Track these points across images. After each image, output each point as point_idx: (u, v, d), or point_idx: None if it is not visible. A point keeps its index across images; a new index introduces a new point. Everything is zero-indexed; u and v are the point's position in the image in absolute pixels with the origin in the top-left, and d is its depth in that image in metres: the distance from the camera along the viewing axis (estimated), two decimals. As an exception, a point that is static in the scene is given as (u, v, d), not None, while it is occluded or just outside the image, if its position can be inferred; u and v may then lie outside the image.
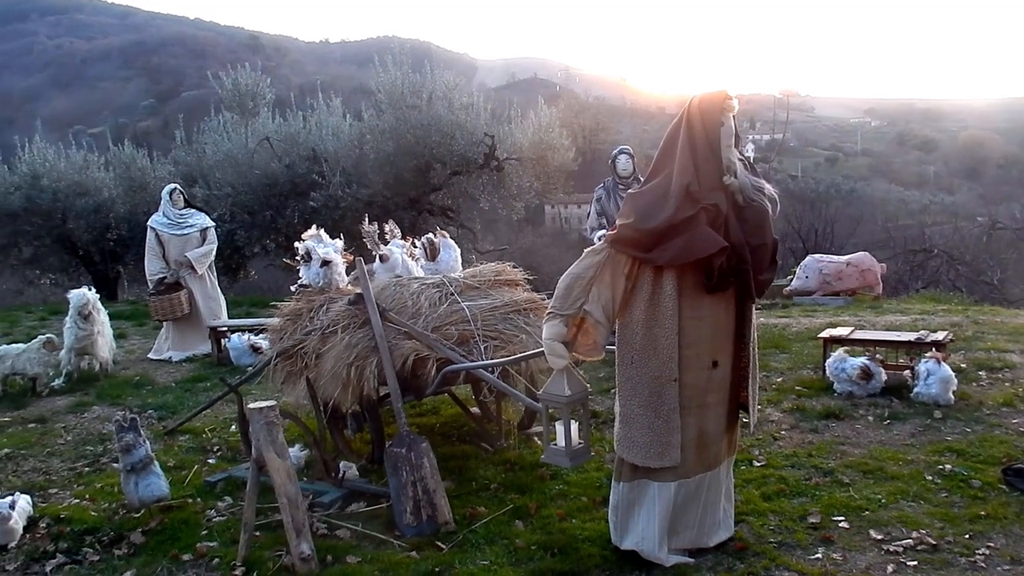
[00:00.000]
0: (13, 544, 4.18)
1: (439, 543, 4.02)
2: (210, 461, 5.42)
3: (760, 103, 64.50)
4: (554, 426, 3.63)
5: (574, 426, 3.58)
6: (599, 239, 8.07)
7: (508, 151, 14.92)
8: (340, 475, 4.66)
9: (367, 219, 5.54)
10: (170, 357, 8.82)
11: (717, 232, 3.34)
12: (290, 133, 14.45)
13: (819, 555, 3.66)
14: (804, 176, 56.96)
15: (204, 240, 9.19)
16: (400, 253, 5.45)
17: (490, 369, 4.67)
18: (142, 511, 4.46)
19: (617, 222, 3.52)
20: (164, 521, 4.38)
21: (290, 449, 4.21)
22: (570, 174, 16.27)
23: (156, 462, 4.48)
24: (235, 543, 4.06)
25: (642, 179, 7.92)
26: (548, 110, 15.18)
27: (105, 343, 7.94)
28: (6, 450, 5.80)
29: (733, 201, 3.42)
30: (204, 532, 4.26)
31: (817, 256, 11.78)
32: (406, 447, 4.32)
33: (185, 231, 9.08)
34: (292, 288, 5.54)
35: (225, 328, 8.67)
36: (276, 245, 15.23)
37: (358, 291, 5.01)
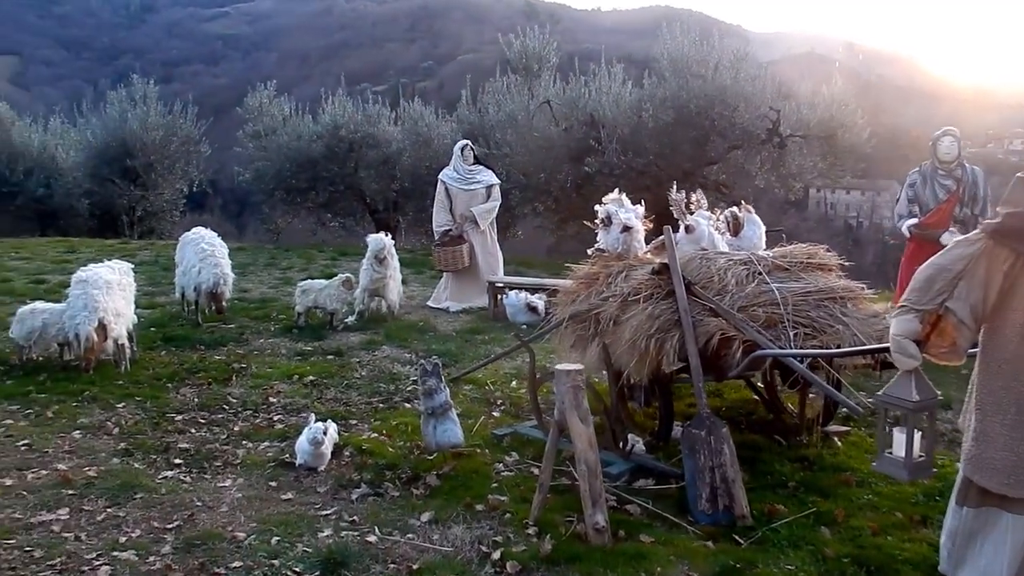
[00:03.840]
0: (322, 468, 4.45)
1: (736, 537, 3.78)
2: (495, 414, 5.51)
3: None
4: (891, 433, 3.23)
5: (916, 436, 3.17)
6: (907, 229, 7.36)
7: (792, 127, 14.10)
8: (629, 448, 4.52)
9: (675, 186, 5.32)
10: (448, 307, 9.15)
11: None
12: (571, 98, 14.48)
13: None
14: None
15: (489, 196, 9.42)
16: (707, 225, 5.18)
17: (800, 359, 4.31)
18: (435, 454, 4.59)
19: (999, 210, 3.03)
20: (456, 467, 4.48)
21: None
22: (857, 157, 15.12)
23: (454, 409, 4.58)
24: (524, 500, 4.06)
25: (967, 165, 7.18)
26: (842, 84, 14.11)
27: (395, 287, 8.38)
28: (311, 377, 6.24)
29: None
30: (494, 485, 4.30)
31: None
32: (706, 430, 4.09)
33: (472, 187, 9.34)
34: (588, 252, 5.45)
35: (503, 284, 8.85)
36: (544, 208, 15.46)
37: (661, 260, 4.82)
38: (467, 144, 9.61)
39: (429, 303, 9.42)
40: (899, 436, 3.20)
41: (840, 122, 13.89)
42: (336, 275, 8.33)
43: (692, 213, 5.34)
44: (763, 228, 5.53)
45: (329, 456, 4.51)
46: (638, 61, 19.14)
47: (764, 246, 5.48)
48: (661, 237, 5.02)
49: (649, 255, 5.23)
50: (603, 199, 5.44)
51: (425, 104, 17.17)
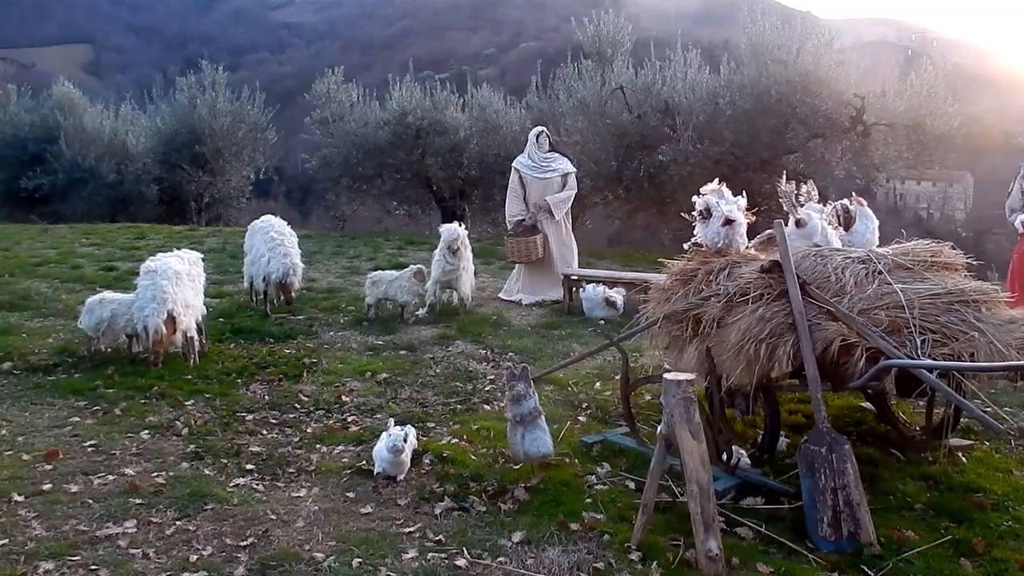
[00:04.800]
0: (402, 477, 4.15)
1: (864, 568, 3.37)
2: (580, 419, 5.14)
3: None
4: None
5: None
6: (1020, 224, 6.84)
7: (877, 115, 13.41)
8: (735, 462, 4.13)
9: (784, 177, 4.88)
10: (520, 300, 8.81)
11: None
12: (644, 84, 14.01)
13: None
14: None
15: (564, 185, 9.04)
16: (819, 219, 4.73)
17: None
18: (522, 464, 4.25)
19: None
20: (545, 479, 4.14)
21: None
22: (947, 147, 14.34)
23: (543, 416, 4.22)
24: (622, 519, 3.73)
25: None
26: (934, 70, 13.38)
27: (468, 279, 8.07)
28: (384, 374, 5.96)
29: None
30: (588, 500, 3.94)
31: None
32: (826, 447, 3.68)
33: (547, 175, 8.97)
34: (684, 246, 5.05)
35: (578, 277, 8.47)
36: (615, 197, 15.03)
37: (770, 257, 4.40)
38: (542, 131, 9.23)
39: (501, 295, 9.10)
40: (1075, 467, 2.76)
41: (929, 110, 13.18)
42: (405, 265, 8.06)
43: (802, 205, 4.89)
44: (876, 222, 5.07)
45: (409, 464, 4.21)
46: (704, 47, 18.53)
47: (877, 242, 5.02)
48: (768, 232, 4.60)
49: (752, 251, 4.81)
50: (701, 189, 5.03)
51: (492, 91, 16.85)
